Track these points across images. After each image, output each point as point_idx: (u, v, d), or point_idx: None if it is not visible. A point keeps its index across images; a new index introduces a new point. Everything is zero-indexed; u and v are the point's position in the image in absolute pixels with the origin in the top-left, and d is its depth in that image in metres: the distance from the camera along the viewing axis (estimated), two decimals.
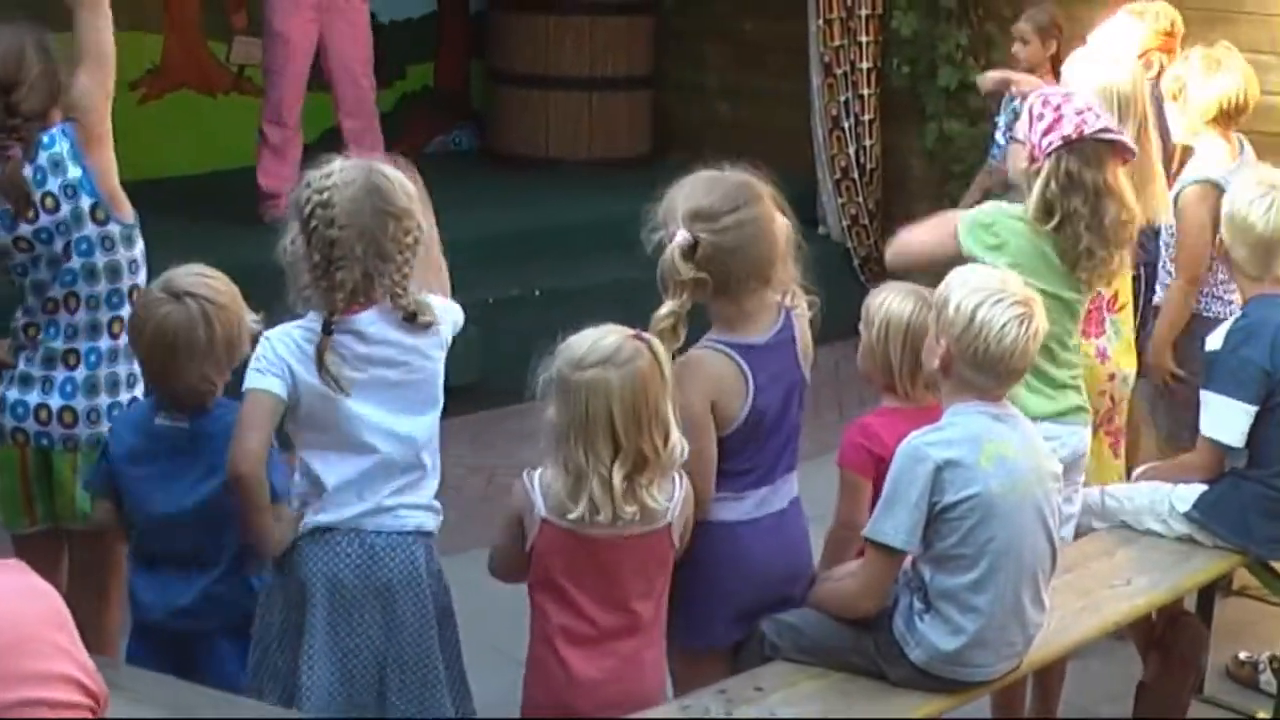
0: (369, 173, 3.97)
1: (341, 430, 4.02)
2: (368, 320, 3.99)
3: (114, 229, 4.58)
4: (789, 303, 4.27)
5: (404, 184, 4.01)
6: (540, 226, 9.03)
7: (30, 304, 4.65)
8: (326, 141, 8.99)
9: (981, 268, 4.54)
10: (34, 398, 4.62)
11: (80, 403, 4.62)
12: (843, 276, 9.25)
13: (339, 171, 3.95)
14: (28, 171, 4.48)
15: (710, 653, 4.34)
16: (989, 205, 5.04)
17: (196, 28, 10.18)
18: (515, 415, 5.70)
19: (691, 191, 4.16)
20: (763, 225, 4.14)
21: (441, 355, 4.12)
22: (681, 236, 4.06)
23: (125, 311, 4.63)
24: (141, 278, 4.67)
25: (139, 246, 4.67)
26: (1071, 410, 4.99)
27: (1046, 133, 4.85)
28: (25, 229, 4.53)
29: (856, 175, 9.57)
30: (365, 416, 4.01)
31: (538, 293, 8.19)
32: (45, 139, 4.51)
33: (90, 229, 4.55)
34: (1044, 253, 4.84)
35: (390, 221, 3.95)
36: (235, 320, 4.29)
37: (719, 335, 4.19)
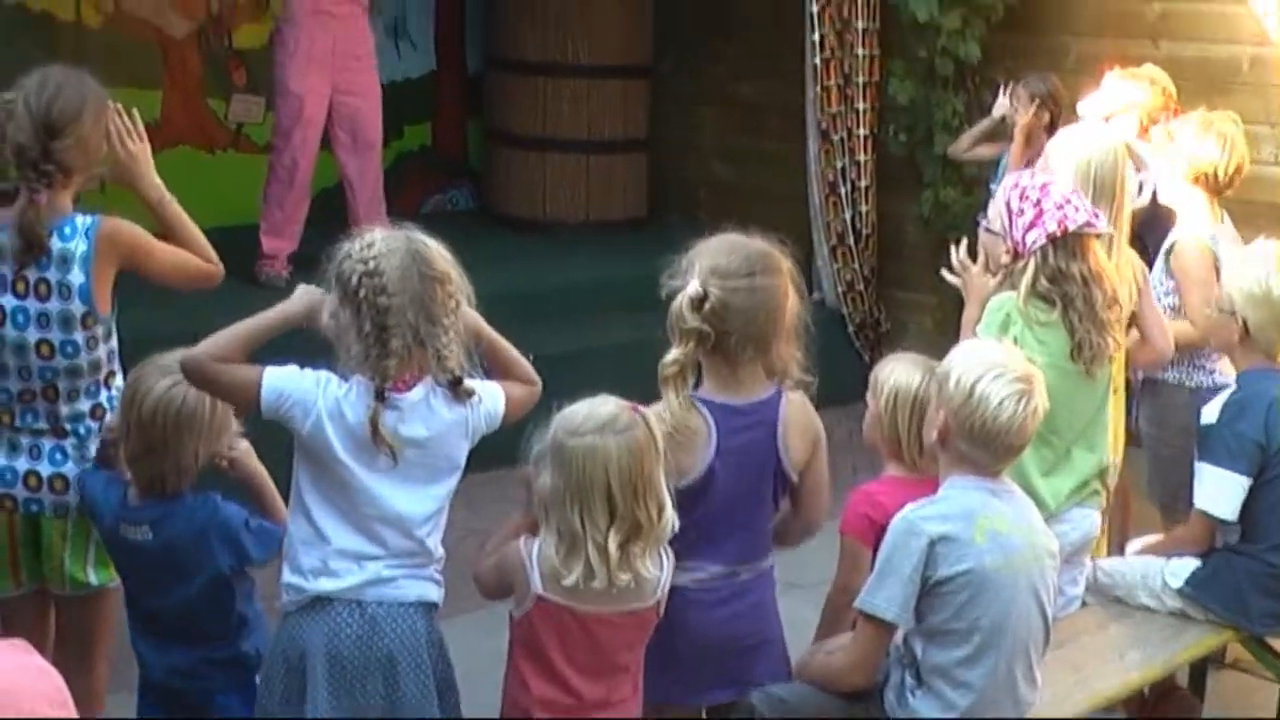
0: (409, 240, 3.99)
1: (349, 499, 4.01)
2: (414, 396, 3.99)
3: (99, 329, 4.56)
4: (784, 384, 4.29)
5: (441, 249, 4.03)
6: (537, 288, 9.01)
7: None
8: (325, 199, 9.02)
9: (986, 342, 4.55)
10: (22, 464, 4.59)
11: (71, 470, 4.58)
12: (838, 342, 9.26)
13: (381, 241, 3.96)
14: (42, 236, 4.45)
15: (668, 710, 4.38)
16: (995, 306, 4.98)
17: (196, 85, 10.20)
18: (511, 479, 5.68)
19: (715, 249, 4.26)
20: (773, 295, 4.20)
21: (465, 447, 4.11)
22: (693, 287, 4.17)
23: (103, 397, 4.62)
24: (116, 364, 4.66)
25: (114, 338, 4.66)
26: (1087, 493, 4.99)
27: (1029, 229, 4.85)
28: (9, 300, 4.49)
29: (852, 241, 9.58)
30: (376, 494, 4.00)
31: (534, 356, 8.13)
32: (66, 228, 4.48)
33: (79, 334, 4.51)
34: (1055, 338, 4.86)
35: (436, 286, 3.96)
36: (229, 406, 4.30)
37: (699, 392, 4.24)
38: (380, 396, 3.93)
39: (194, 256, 4.65)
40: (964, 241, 5.33)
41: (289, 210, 8.75)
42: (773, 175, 10.21)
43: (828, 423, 4.50)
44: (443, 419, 4.04)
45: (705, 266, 4.19)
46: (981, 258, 5.15)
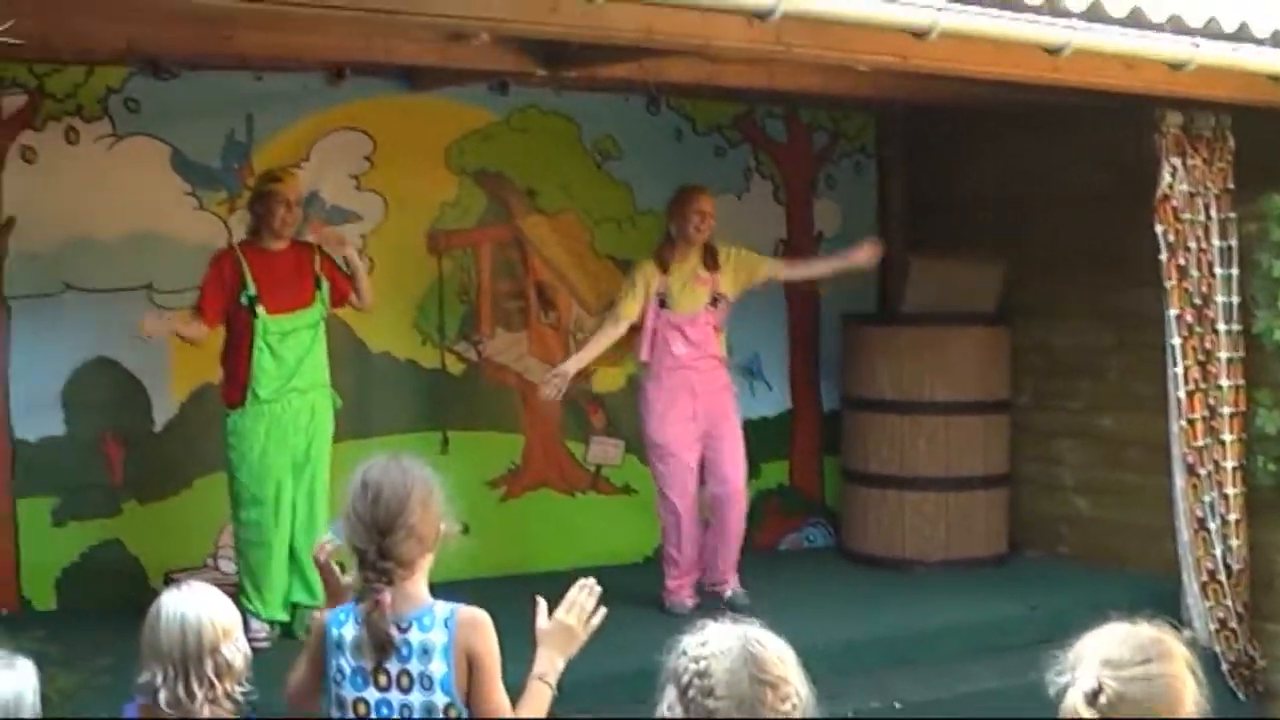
0: (745, 641, 3.93)
1: None
2: None
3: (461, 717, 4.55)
4: None
5: (780, 650, 3.94)
6: (898, 631, 8.84)
7: None
8: None
9: None
10: None
11: None
12: (1211, 682, 8.81)
13: (716, 639, 3.92)
14: (393, 633, 4.49)
15: None
16: None
17: (555, 428, 10.44)
18: None
19: (1104, 640, 4.07)
20: (1171, 684, 4.02)
21: None
22: (1086, 681, 3.98)
23: None
24: None
25: None
26: None
27: None
28: (371, 694, 4.53)
29: (1223, 577, 9.26)
30: None
31: (898, 705, 7.97)
32: (425, 618, 4.53)
33: None
34: None
35: (767, 690, 3.87)
36: None
37: None
38: None
39: None
40: None
41: (685, 551, 9.00)
42: (1136, 509, 10.03)
43: None
44: None
45: (1096, 659, 4.03)
46: None
